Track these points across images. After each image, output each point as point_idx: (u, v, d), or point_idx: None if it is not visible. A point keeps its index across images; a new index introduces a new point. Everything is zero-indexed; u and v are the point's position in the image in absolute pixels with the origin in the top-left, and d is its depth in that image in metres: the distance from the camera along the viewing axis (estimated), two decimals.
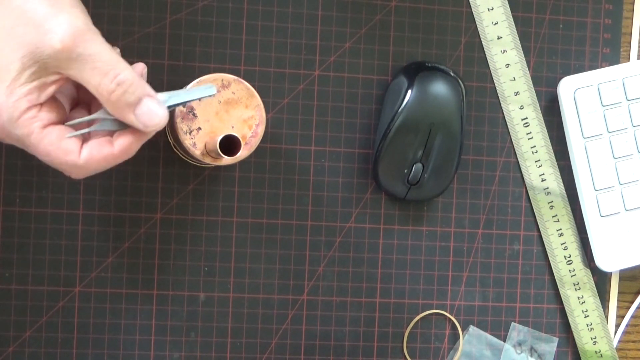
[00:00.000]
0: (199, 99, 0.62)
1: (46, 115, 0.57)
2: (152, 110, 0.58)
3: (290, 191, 0.73)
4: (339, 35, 0.74)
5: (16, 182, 0.70)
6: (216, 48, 0.72)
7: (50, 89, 0.57)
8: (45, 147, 0.57)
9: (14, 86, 0.56)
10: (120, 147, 0.59)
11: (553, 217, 0.77)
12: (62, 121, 0.59)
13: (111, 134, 0.60)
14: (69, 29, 0.56)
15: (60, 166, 0.58)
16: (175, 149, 0.71)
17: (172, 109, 0.61)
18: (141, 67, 0.62)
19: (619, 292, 0.78)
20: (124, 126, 0.60)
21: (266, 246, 0.73)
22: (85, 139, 0.60)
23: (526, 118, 0.76)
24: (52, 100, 0.59)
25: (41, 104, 0.57)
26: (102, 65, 0.57)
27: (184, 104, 0.61)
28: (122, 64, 0.57)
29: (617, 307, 0.78)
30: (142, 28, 0.71)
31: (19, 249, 0.70)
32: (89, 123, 0.61)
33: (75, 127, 0.61)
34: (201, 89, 0.61)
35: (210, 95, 0.61)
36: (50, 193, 0.70)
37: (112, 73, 0.57)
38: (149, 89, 0.59)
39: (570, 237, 0.77)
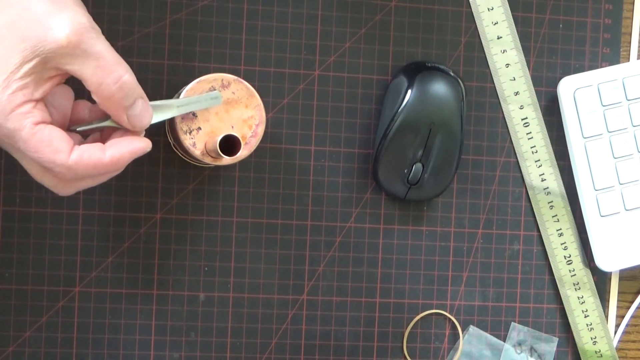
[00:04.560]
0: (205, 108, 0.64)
1: (39, 113, 0.57)
2: (143, 112, 0.60)
3: (290, 191, 0.73)
4: (339, 35, 0.74)
5: (16, 182, 0.70)
6: (216, 48, 0.72)
7: (47, 85, 0.57)
8: (35, 144, 0.57)
9: (11, 79, 0.56)
10: (111, 157, 0.59)
11: (553, 217, 0.77)
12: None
13: (104, 141, 0.61)
14: (74, 26, 0.56)
15: (48, 164, 0.58)
16: (175, 149, 0.71)
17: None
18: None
19: (619, 292, 0.78)
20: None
21: (266, 246, 0.73)
22: (77, 143, 0.60)
23: (526, 118, 0.76)
24: (46, 106, 0.59)
25: (36, 101, 0.57)
26: (106, 65, 0.57)
27: (186, 113, 0.63)
28: (124, 65, 0.58)
29: (617, 307, 0.78)
30: (142, 28, 0.71)
31: (19, 249, 0.70)
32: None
33: (81, 134, 0.61)
34: (206, 98, 0.63)
35: (214, 104, 0.63)
36: (50, 193, 0.70)
37: (115, 75, 0.58)
38: (141, 90, 0.60)
39: (570, 237, 0.77)
